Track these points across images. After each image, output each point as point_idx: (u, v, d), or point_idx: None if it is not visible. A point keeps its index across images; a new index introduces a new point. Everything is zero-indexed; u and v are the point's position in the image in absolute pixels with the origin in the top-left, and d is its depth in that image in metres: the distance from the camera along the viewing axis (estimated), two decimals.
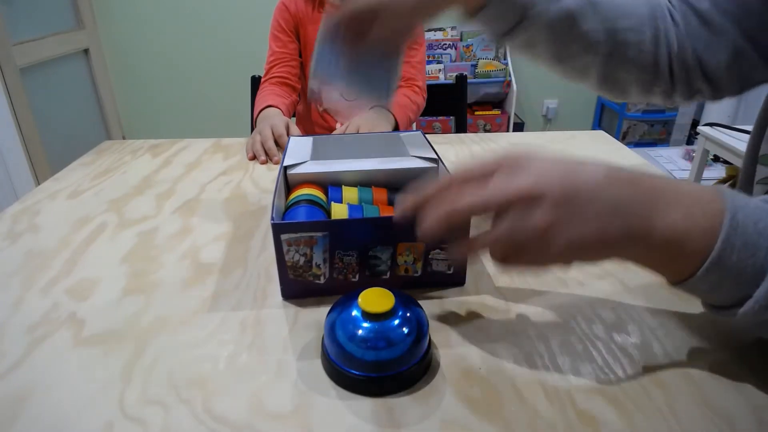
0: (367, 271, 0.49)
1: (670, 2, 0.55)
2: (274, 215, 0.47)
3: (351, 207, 0.54)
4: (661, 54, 0.55)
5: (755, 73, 0.53)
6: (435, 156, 0.59)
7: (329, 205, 0.54)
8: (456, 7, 0.52)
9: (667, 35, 0.54)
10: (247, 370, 0.41)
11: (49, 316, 0.48)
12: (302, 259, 0.47)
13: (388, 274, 0.49)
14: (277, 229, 0.45)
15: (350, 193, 0.57)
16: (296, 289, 0.49)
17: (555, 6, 0.51)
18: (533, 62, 0.56)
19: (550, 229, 0.35)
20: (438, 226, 0.38)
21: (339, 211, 0.53)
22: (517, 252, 0.37)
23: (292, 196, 0.55)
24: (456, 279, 0.51)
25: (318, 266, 0.48)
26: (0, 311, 0.49)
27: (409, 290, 0.46)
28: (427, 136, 0.67)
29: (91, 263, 0.57)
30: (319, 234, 0.46)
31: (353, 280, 0.49)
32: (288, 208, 0.54)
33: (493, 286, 0.51)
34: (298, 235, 0.46)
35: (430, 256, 0.49)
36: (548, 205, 0.35)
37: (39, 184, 1.01)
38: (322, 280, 0.49)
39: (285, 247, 0.46)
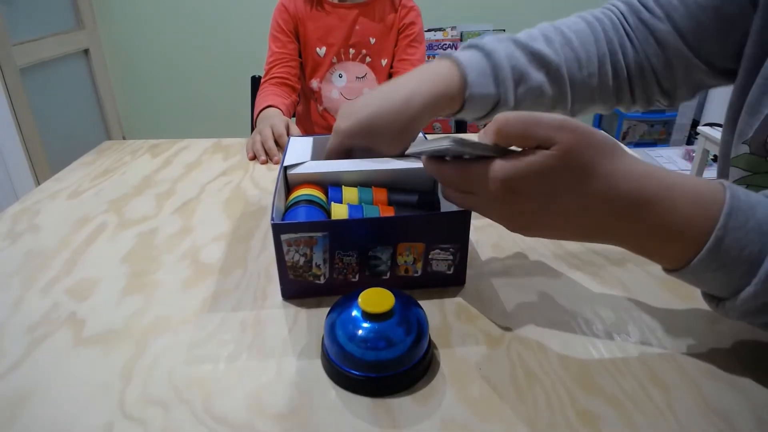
0: (367, 271, 0.49)
1: (628, 25, 0.60)
2: (274, 215, 0.47)
3: (351, 207, 0.54)
4: (621, 83, 0.61)
5: (707, 82, 0.59)
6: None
7: (329, 205, 0.54)
8: (438, 116, 0.58)
9: (626, 61, 0.60)
10: (247, 370, 0.41)
11: (49, 316, 0.48)
12: (302, 259, 0.47)
13: (388, 274, 0.49)
14: (277, 230, 0.45)
15: (350, 194, 0.57)
16: (296, 289, 0.49)
17: (520, 90, 0.58)
18: None
19: (527, 232, 0.41)
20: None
21: (339, 212, 0.53)
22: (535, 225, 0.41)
23: (292, 196, 0.55)
24: (456, 279, 0.51)
25: (318, 266, 0.48)
26: (0, 311, 0.49)
27: (409, 290, 0.46)
28: (427, 136, 0.67)
29: (91, 263, 0.57)
30: (319, 234, 0.46)
31: (353, 280, 0.49)
32: (288, 208, 0.54)
33: (493, 286, 0.51)
34: (298, 235, 0.46)
35: (430, 256, 0.49)
36: (520, 226, 0.41)
37: (39, 184, 1.01)
38: (322, 280, 0.49)
39: (285, 247, 0.46)
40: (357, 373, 0.38)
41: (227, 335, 0.45)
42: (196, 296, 0.51)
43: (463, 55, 0.57)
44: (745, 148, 0.52)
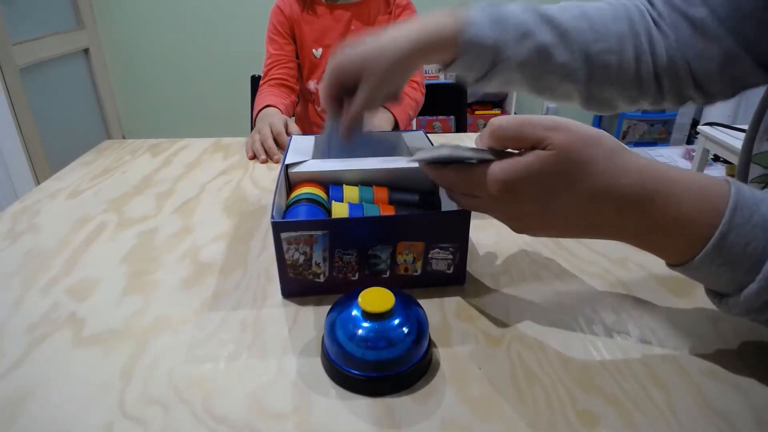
0: (366, 270, 0.49)
1: (657, 13, 0.55)
2: (274, 214, 0.47)
3: (351, 206, 0.54)
4: (644, 69, 0.55)
5: (748, 78, 0.53)
6: None
7: (330, 204, 0.54)
8: (431, 61, 0.55)
9: (653, 49, 0.54)
10: (247, 370, 0.41)
11: (49, 316, 0.48)
12: (302, 258, 0.47)
13: (388, 273, 0.49)
14: (277, 228, 0.45)
15: (351, 192, 0.57)
16: (296, 287, 0.49)
17: (525, 46, 0.52)
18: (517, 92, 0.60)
19: (531, 233, 0.42)
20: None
21: (339, 210, 0.53)
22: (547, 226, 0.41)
23: (293, 194, 0.55)
24: (456, 278, 0.51)
25: (318, 265, 0.48)
26: (0, 311, 0.49)
27: (408, 289, 0.46)
28: (428, 135, 0.67)
29: (91, 263, 0.57)
30: (319, 233, 0.46)
31: (353, 278, 0.49)
32: (289, 206, 0.54)
33: (493, 286, 0.51)
34: (298, 233, 0.46)
35: (429, 256, 0.49)
36: (522, 227, 0.42)
37: (39, 184, 1.01)
38: (321, 279, 0.49)
39: (285, 246, 0.46)
40: (357, 372, 0.38)
41: (227, 335, 0.45)
42: (196, 296, 0.51)
43: (467, 6, 0.53)
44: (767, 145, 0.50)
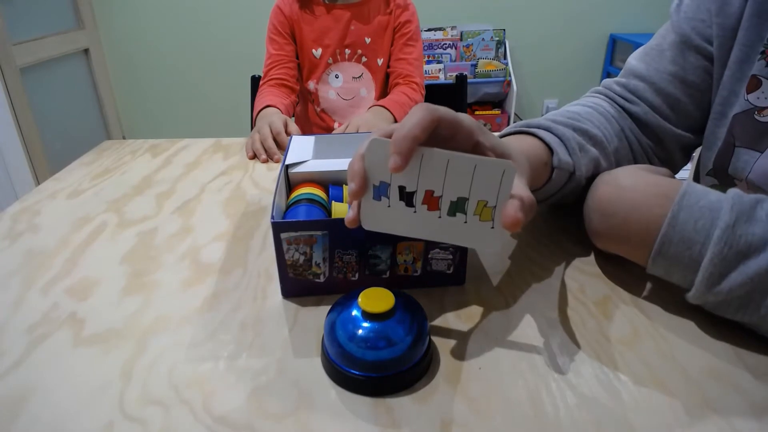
0: (366, 270, 0.49)
1: (611, 114, 0.62)
2: (274, 214, 0.47)
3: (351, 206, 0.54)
4: (637, 154, 0.62)
5: (696, 143, 0.63)
6: None
7: (330, 204, 0.54)
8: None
9: (630, 139, 0.62)
10: (247, 370, 0.41)
11: (49, 316, 0.48)
12: (302, 258, 0.47)
13: (388, 273, 0.49)
14: (277, 228, 0.45)
15: None
16: (296, 287, 0.49)
17: (585, 162, 0.55)
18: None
19: None
20: None
21: (340, 210, 0.53)
22: None
23: (293, 195, 0.55)
24: (456, 278, 0.51)
25: (318, 265, 0.48)
26: (0, 311, 0.49)
27: (408, 289, 0.46)
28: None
29: (91, 263, 0.57)
30: (319, 233, 0.46)
31: (353, 279, 0.49)
32: (289, 206, 0.54)
33: (493, 286, 0.51)
34: (298, 233, 0.46)
35: (429, 256, 0.49)
36: None
37: (39, 184, 1.01)
38: (321, 279, 0.49)
39: (285, 246, 0.46)
40: (357, 372, 0.38)
41: (227, 335, 0.45)
42: (196, 296, 0.51)
43: (534, 131, 0.54)
44: (710, 180, 0.58)
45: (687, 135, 0.61)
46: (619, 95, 0.63)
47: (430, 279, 0.50)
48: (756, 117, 0.52)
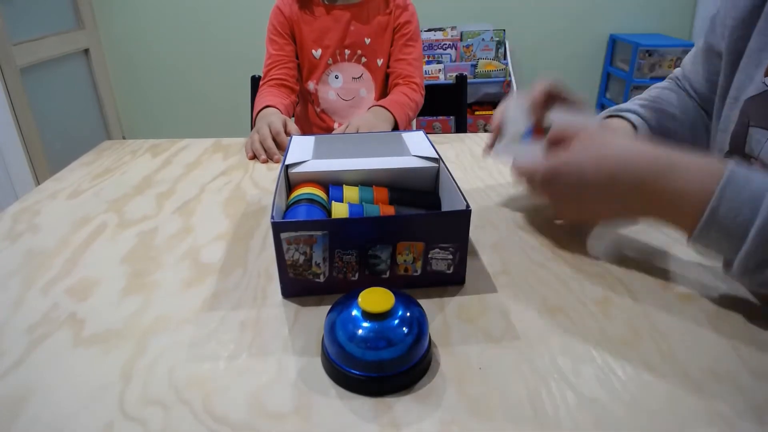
0: (366, 270, 0.49)
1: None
2: (274, 214, 0.47)
3: (351, 206, 0.54)
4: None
5: None
6: (436, 156, 0.59)
7: (330, 204, 0.54)
8: None
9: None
10: (247, 370, 0.41)
11: (49, 316, 0.48)
12: (302, 258, 0.47)
13: (388, 273, 0.49)
14: (277, 228, 0.45)
15: (351, 192, 0.57)
16: (296, 287, 0.49)
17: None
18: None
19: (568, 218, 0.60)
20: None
21: (339, 211, 0.53)
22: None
23: (293, 195, 0.55)
24: (456, 278, 0.51)
25: (318, 265, 0.48)
26: (0, 311, 0.49)
27: (408, 290, 0.46)
28: (428, 135, 0.67)
29: (91, 263, 0.57)
30: (319, 233, 0.46)
31: (353, 279, 0.49)
32: (289, 206, 0.54)
33: (493, 286, 0.51)
34: (298, 233, 0.46)
35: (429, 256, 0.49)
36: (561, 213, 0.59)
37: (39, 184, 1.01)
38: (321, 279, 0.49)
39: (285, 246, 0.46)
40: (357, 372, 0.38)
41: (227, 335, 0.45)
42: (196, 296, 0.51)
43: (623, 114, 0.68)
44: None
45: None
46: (681, 88, 0.74)
47: (430, 279, 0.50)
48: None
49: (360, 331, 0.39)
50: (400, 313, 0.40)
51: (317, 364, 0.42)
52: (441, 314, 0.47)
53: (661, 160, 0.46)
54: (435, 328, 0.45)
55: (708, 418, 0.36)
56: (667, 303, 0.48)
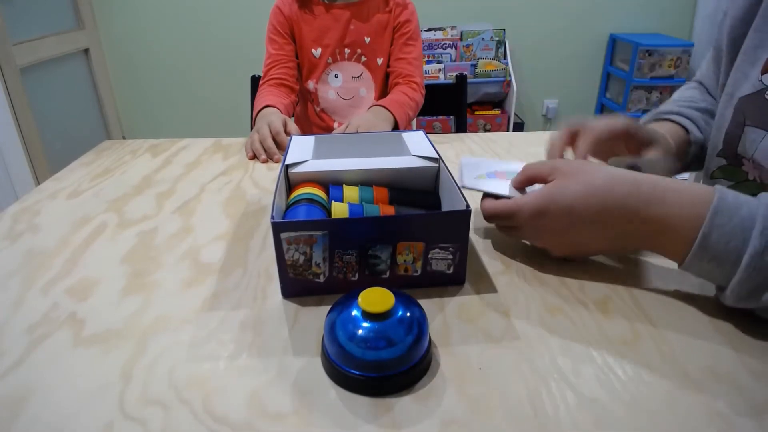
0: (366, 270, 0.49)
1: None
2: (274, 214, 0.47)
3: (351, 206, 0.54)
4: None
5: None
6: (436, 155, 0.59)
7: (330, 204, 0.54)
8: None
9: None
10: (247, 370, 0.41)
11: (49, 316, 0.48)
12: (302, 258, 0.47)
13: (388, 273, 0.49)
14: (277, 228, 0.45)
15: (351, 192, 0.57)
16: (296, 287, 0.49)
17: (707, 130, 0.66)
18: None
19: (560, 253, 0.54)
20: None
21: (339, 210, 0.53)
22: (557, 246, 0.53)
23: (293, 195, 0.55)
24: (456, 278, 0.51)
25: (318, 265, 0.48)
26: (0, 311, 0.49)
27: (408, 290, 0.46)
28: (428, 135, 0.67)
29: (91, 263, 0.57)
30: (319, 233, 0.46)
31: (353, 279, 0.49)
32: (289, 206, 0.54)
33: (493, 286, 0.51)
34: (298, 233, 0.46)
35: (429, 256, 0.49)
36: (551, 247, 0.54)
37: (39, 184, 1.01)
38: (321, 279, 0.49)
39: (285, 246, 0.46)
40: (357, 372, 0.38)
41: (227, 335, 0.45)
42: (196, 296, 0.51)
43: (672, 117, 0.68)
44: (720, 161, 0.61)
45: None
46: (704, 89, 0.74)
47: (430, 279, 0.50)
48: (767, 97, 0.54)
49: (360, 331, 0.39)
50: (400, 313, 0.40)
51: (317, 364, 0.42)
52: (441, 314, 0.47)
53: (649, 186, 0.46)
54: (435, 328, 0.45)
55: (708, 418, 0.36)
56: (667, 303, 0.48)
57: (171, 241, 0.62)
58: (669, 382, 0.39)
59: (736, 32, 0.59)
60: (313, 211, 0.52)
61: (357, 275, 0.49)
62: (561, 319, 0.46)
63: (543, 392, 0.38)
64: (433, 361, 0.42)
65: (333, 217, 0.52)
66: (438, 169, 0.59)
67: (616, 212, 0.47)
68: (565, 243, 0.52)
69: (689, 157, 0.66)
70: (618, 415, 0.36)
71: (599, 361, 0.41)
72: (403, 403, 0.38)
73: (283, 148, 0.91)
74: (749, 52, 0.57)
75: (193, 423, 0.36)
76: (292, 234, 0.45)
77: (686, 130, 0.66)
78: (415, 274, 0.50)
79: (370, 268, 0.49)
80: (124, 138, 2.11)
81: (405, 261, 0.49)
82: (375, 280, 0.49)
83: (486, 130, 2.68)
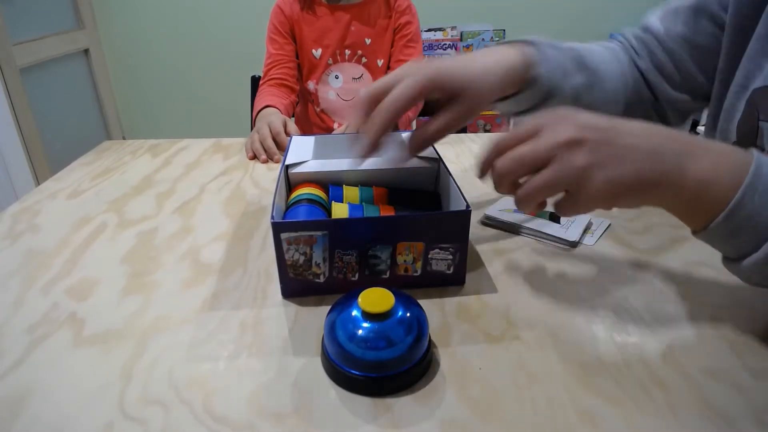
0: (366, 270, 0.49)
1: (626, 59, 0.65)
2: (274, 214, 0.47)
3: (351, 206, 0.54)
4: (644, 94, 0.64)
5: (693, 107, 0.65)
6: (436, 156, 0.59)
7: (330, 204, 0.54)
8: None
9: (632, 87, 0.64)
10: (247, 370, 0.41)
11: (49, 316, 0.48)
12: (302, 258, 0.47)
13: (388, 273, 0.49)
14: (277, 228, 0.45)
15: (351, 192, 0.57)
16: (296, 287, 0.49)
17: (571, 84, 0.57)
18: None
19: (591, 168, 0.38)
20: (499, 183, 0.42)
21: (339, 211, 0.53)
22: (562, 194, 0.41)
23: (293, 195, 0.55)
24: (456, 279, 0.51)
25: (318, 265, 0.48)
26: (0, 311, 0.49)
27: (409, 290, 0.46)
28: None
29: (91, 263, 0.57)
30: (319, 233, 0.46)
31: (353, 279, 0.49)
32: (289, 207, 0.54)
33: (493, 286, 0.51)
34: (298, 234, 0.46)
35: (429, 256, 0.49)
36: (588, 148, 0.38)
37: (39, 184, 1.01)
38: (321, 279, 0.49)
39: (285, 246, 0.46)
40: (357, 373, 0.38)
41: (227, 335, 0.45)
42: (196, 296, 0.51)
43: (522, 44, 0.55)
44: None
45: (683, 98, 0.63)
46: (632, 46, 0.66)
47: (430, 279, 0.50)
48: None
49: (360, 331, 0.39)
50: (400, 313, 0.40)
51: (317, 364, 0.42)
52: (441, 314, 0.47)
53: (688, 140, 0.40)
54: (435, 328, 0.45)
55: (708, 418, 0.36)
56: (668, 303, 0.48)
57: (171, 241, 0.62)
58: (669, 382, 0.39)
59: (745, 11, 0.54)
60: (314, 211, 0.52)
61: (357, 275, 0.49)
62: (561, 319, 0.46)
63: (543, 392, 0.38)
64: (433, 361, 0.42)
65: (333, 217, 0.52)
66: (438, 170, 0.59)
67: (661, 130, 0.40)
68: (604, 145, 0.39)
69: (530, 96, 0.56)
70: (618, 415, 0.36)
71: (599, 361, 0.41)
72: (403, 403, 0.38)
73: (283, 148, 0.91)
74: (762, 41, 0.52)
75: (193, 423, 0.36)
76: (293, 234, 0.45)
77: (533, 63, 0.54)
78: (415, 274, 0.50)
79: (370, 268, 0.49)
80: (124, 138, 2.11)
81: (405, 261, 0.49)
82: (375, 280, 0.49)
83: (486, 131, 2.68)
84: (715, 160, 0.39)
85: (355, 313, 0.40)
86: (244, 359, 0.42)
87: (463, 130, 1.40)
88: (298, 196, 0.54)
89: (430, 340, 0.42)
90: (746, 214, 0.38)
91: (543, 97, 0.56)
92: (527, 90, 0.55)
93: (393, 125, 0.48)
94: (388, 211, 0.55)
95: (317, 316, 0.47)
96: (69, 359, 0.43)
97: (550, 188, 0.40)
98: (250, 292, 0.51)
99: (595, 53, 0.61)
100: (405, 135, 0.66)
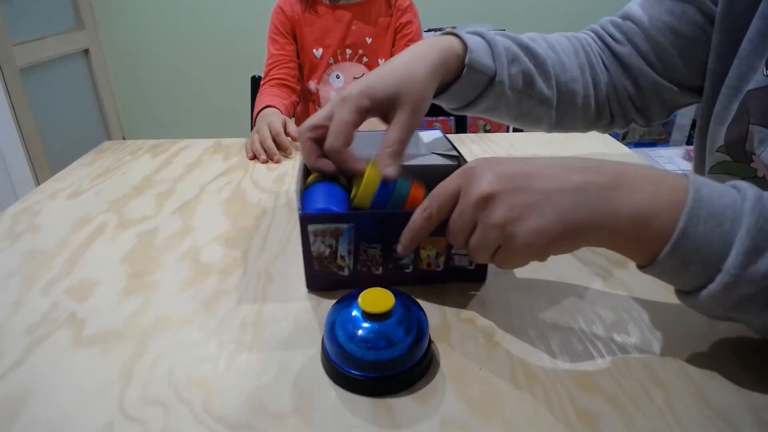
0: (390, 264, 0.49)
1: (599, 48, 0.64)
2: (301, 206, 0.47)
3: (382, 183, 0.51)
4: (600, 96, 0.63)
5: (677, 100, 0.62)
6: (456, 153, 0.59)
7: (350, 183, 0.52)
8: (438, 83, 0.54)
9: (602, 78, 0.63)
10: (247, 370, 0.41)
11: (49, 316, 0.48)
12: (327, 250, 0.47)
13: (411, 267, 0.49)
14: (305, 220, 0.45)
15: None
16: (321, 280, 0.49)
17: (513, 71, 0.57)
18: (493, 120, 0.63)
19: (509, 224, 0.37)
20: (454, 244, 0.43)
21: (372, 176, 0.48)
22: (496, 252, 0.40)
23: (312, 177, 0.54)
24: (477, 275, 0.51)
25: (342, 258, 0.48)
26: (0, 311, 0.49)
27: (430, 285, 0.47)
28: (447, 135, 0.66)
29: (91, 263, 0.57)
30: (345, 225, 0.46)
31: (376, 272, 0.49)
32: (307, 186, 0.53)
33: (494, 286, 0.51)
34: (325, 226, 0.46)
35: (452, 252, 0.49)
36: (502, 201, 0.37)
37: (39, 184, 1.01)
38: (346, 272, 0.49)
39: (311, 238, 0.46)
40: (357, 373, 0.38)
41: (227, 335, 0.45)
42: (196, 296, 0.51)
43: (458, 33, 0.56)
44: (720, 156, 0.56)
45: (669, 85, 0.61)
46: (609, 34, 0.64)
47: (452, 275, 0.50)
48: None
49: (360, 332, 0.39)
50: (400, 313, 0.40)
51: (317, 364, 0.42)
52: (441, 314, 0.47)
53: (615, 172, 0.37)
54: (435, 328, 0.45)
55: (708, 418, 0.36)
56: (667, 302, 0.48)
57: (171, 242, 0.62)
58: (669, 382, 0.39)
59: (736, 8, 0.53)
60: (331, 188, 0.51)
61: (381, 269, 0.49)
62: (561, 319, 0.46)
63: (543, 392, 0.38)
64: (433, 361, 0.42)
65: (365, 182, 0.49)
66: (458, 167, 0.59)
67: (589, 166, 0.37)
68: (521, 200, 0.37)
69: (467, 86, 0.56)
70: (618, 415, 0.36)
71: (599, 361, 0.41)
72: (403, 403, 0.38)
73: (283, 149, 0.91)
74: (755, 41, 0.51)
75: (193, 423, 0.36)
76: (319, 227, 0.46)
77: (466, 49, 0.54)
78: (438, 269, 0.50)
79: (394, 262, 0.49)
80: (124, 138, 2.11)
81: (428, 256, 0.49)
82: (399, 275, 0.49)
83: (486, 131, 2.68)
84: (651, 190, 0.36)
85: (355, 313, 0.40)
86: (244, 359, 0.42)
87: (464, 131, 1.40)
88: (316, 177, 0.53)
89: (430, 340, 0.42)
90: (692, 244, 0.34)
91: (486, 85, 0.56)
92: (465, 79, 0.55)
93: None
94: (418, 191, 0.53)
95: (317, 316, 0.47)
96: (69, 359, 0.43)
97: (483, 250, 0.40)
98: (250, 293, 0.51)
99: (545, 42, 0.61)
100: (422, 134, 0.65)
